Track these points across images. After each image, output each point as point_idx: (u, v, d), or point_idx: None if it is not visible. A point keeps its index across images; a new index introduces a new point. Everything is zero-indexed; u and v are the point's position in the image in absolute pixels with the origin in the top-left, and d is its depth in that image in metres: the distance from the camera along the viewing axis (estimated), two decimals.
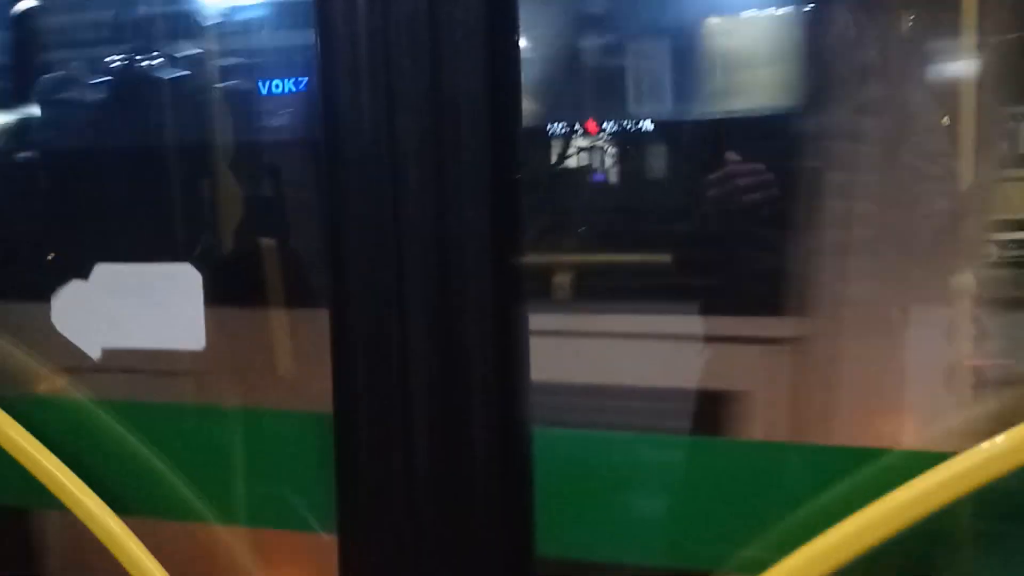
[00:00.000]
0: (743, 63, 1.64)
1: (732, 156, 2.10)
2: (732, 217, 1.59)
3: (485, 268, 1.22)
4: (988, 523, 1.24)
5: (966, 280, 1.41)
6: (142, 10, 1.87)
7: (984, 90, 1.38)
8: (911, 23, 1.52)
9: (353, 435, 1.30)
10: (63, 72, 1.92)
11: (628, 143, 1.75)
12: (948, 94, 1.42)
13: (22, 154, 1.92)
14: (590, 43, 1.76)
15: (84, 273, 1.50)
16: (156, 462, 1.59)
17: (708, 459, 1.32)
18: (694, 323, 1.54)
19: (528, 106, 1.35)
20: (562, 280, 1.67)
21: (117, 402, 1.58)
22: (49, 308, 1.54)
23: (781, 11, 1.60)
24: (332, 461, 1.33)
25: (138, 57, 1.81)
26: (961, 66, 1.42)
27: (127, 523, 1.46)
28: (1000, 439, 1.08)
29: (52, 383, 1.63)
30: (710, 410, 1.45)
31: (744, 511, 1.29)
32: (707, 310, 1.54)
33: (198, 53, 1.77)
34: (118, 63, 1.83)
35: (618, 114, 1.71)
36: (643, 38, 1.71)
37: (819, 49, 1.51)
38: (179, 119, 1.77)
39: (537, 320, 1.29)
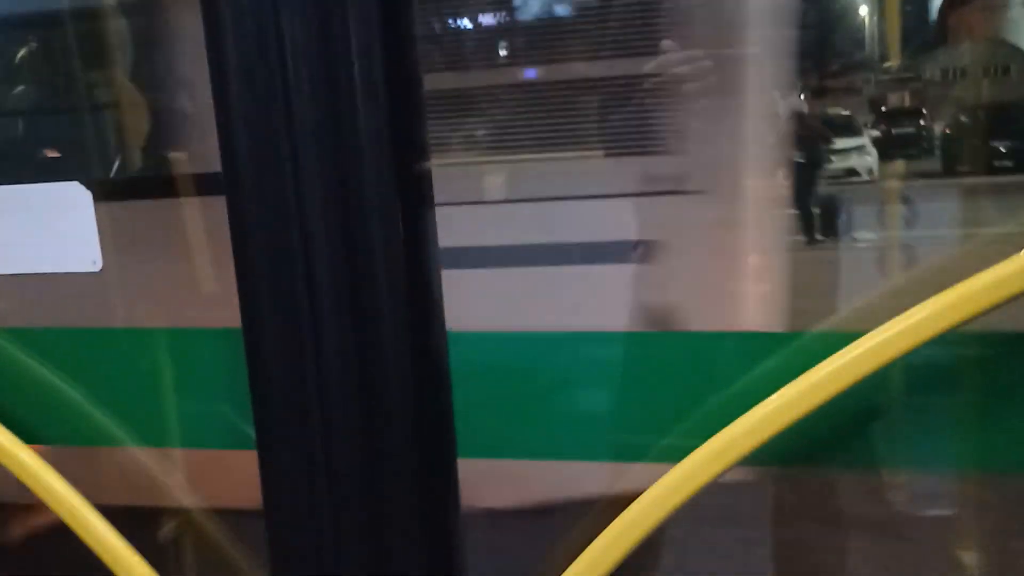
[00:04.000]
0: None
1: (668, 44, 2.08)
2: None
3: (387, 169, 1.18)
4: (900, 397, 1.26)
5: None
6: None
7: None
8: None
9: (263, 347, 1.27)
10: None
11: None
12: None
13: None
14: None
15: None
16: (67, 389, 1.55)
17: (624, 351, 1.32)
18: None
19: None
20: None
21: (20, 329, 1.52)
22: None
23: None
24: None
25: None
26: None
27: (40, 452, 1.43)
28: (907, 315, 1.09)
29: None
30: None
31: (662, 401, 1.29)
32: None
33: None
34: None
35: None
36: None
37: None
38: None
39: None
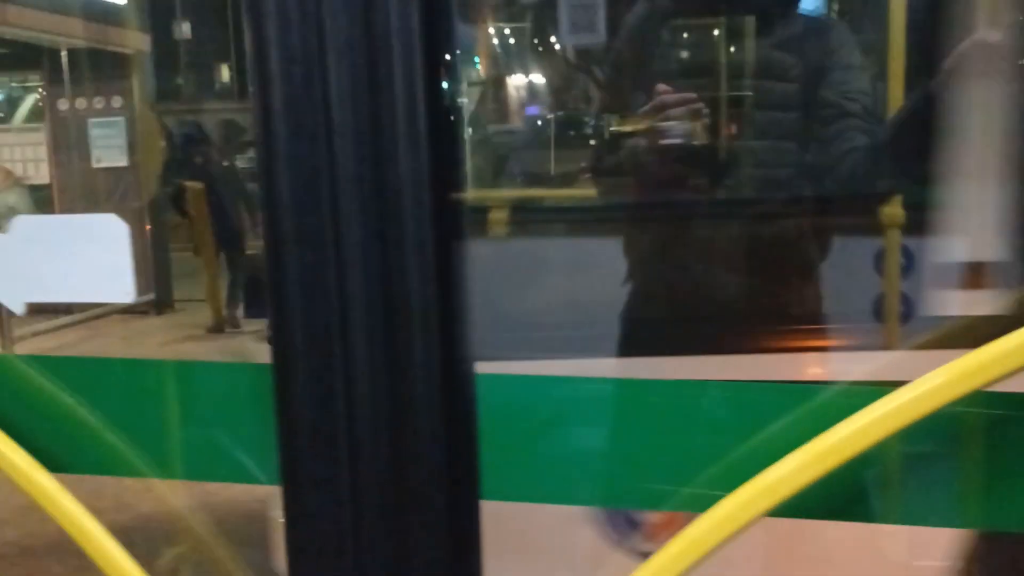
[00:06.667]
0: None
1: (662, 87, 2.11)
2: None
3: (424, 208, 1.20)
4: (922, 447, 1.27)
5: None
6: None
7: None
8: None
9: (293, 383, 1.28)
10: None
11: None
12: None
13: None
14: None
15: None
16: (91, 418, 1.56)
17: (649, 399, 1.32)
18: None
19: None
20: None
21: (46, 358, 1.53)
22: None
23: None
24: (272, 411, 1.31)
25: None
26: None
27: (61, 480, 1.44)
28: (936, 373, 1.10)
29: None
30: None
31: (688, 449, 1.30)
32: None
33: None
34: None
35: None
36: None
37: None
38: None
39: None
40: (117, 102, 11.90)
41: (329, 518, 1.29)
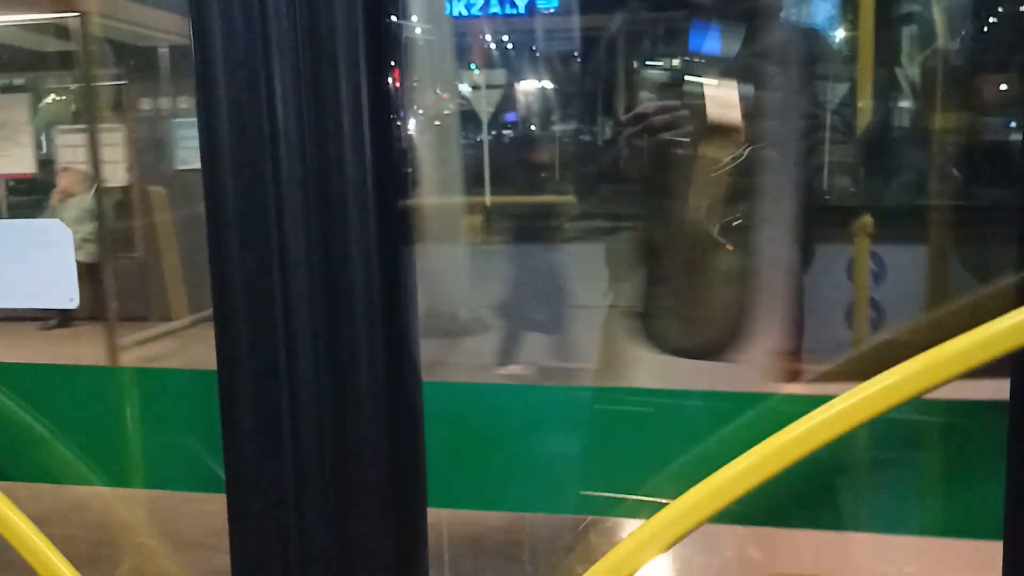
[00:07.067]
0: None
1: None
2: None
3: (368, 212, 1.19)
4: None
5: None
6: None
7: None
8: None
9: (237, 390, 1.27)
10: None
11: None
12: None
13: None
14: None
15: None
16: (36, 425, 1.54)
17: (592, 406, 1.32)
18: None
19: None
20: None
21: None
22: None
23: None
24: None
25: None
26: None
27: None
28: (878, 379, 1.11)
29: None
30: None
31: (632, 457, 1.30)
32: None
33: None
34: None
35: None
36: None
37: None
38: None
39: None
40: None
41: (273, 524, 1.28)
